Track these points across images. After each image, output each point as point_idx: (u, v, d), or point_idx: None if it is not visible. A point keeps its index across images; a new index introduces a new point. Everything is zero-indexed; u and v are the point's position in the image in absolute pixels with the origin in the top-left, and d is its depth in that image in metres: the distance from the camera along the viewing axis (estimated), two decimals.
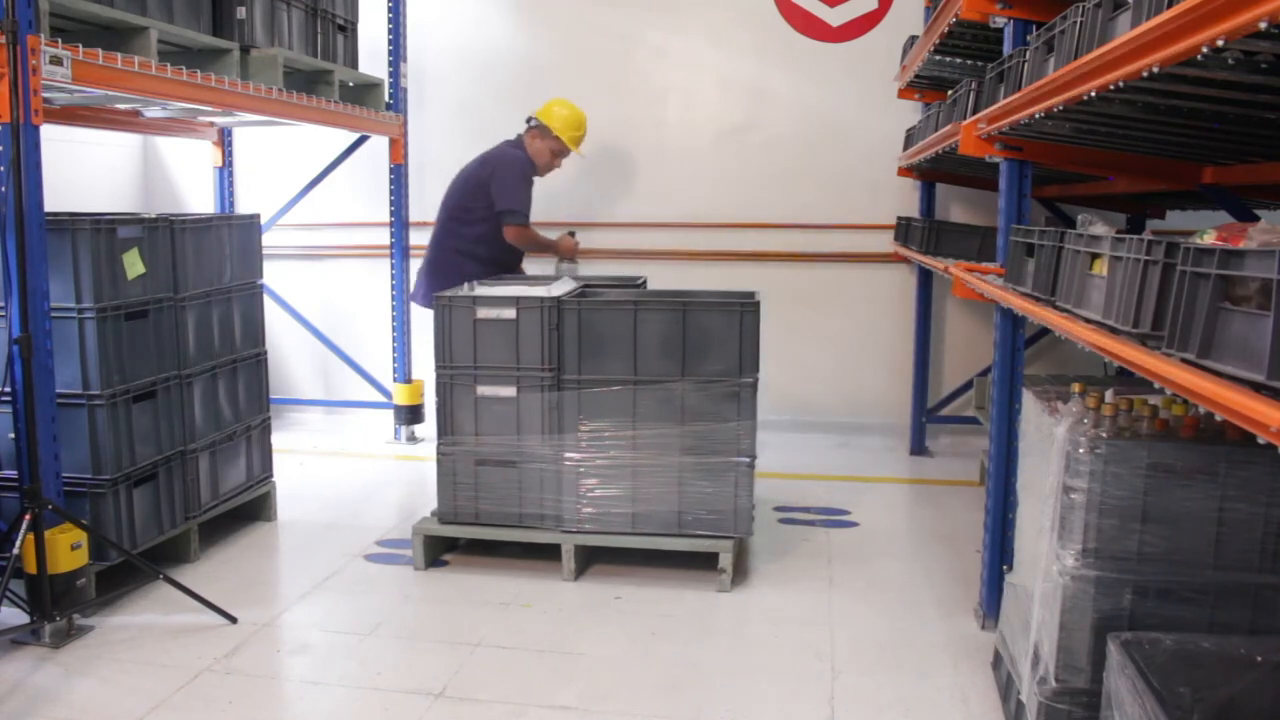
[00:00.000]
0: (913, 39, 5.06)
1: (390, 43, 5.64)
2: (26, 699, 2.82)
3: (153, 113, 4.80)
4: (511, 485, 3.78)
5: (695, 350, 3.63)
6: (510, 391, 3.74)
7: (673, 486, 3.68)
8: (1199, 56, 1.51)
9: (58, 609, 3.11)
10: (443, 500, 3.86)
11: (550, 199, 6.07)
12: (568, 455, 3.72)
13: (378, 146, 5.81)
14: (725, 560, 3.63)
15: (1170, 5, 1.59)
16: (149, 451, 3.67)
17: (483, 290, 4.04)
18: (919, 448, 5.69)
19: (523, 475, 3.76)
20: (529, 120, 5.04)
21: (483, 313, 3.74)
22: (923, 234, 4.86)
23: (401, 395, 5.83)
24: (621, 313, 3.68)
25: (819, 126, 5.86)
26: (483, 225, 4.82)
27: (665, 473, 3.67)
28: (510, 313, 3.72)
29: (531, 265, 5.28)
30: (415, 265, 6.17)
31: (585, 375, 3.69)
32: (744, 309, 3.63)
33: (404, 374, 5.89)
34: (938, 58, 4.42)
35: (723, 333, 3.62)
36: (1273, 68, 1.61)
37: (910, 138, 5.31)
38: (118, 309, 3.52)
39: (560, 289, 3.99)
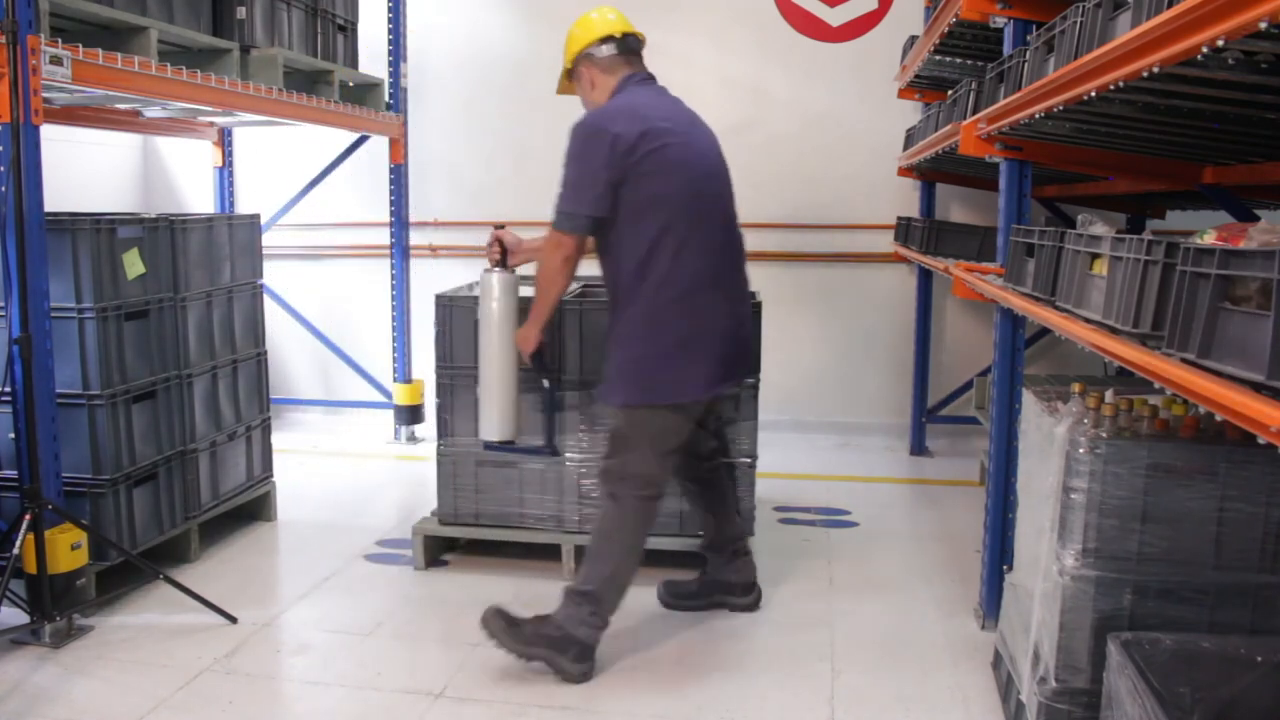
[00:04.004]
0: (913, 39, 5.06)
1: (390, 43, 5.64)
2: (26, 699, 2.82)
3: (153, 113, 4.80)
4: (511, 485, 3.78)
5: None
6: None
7: (673, 486, 3.66)
8: (1199, 56, 1.51)
9: (58, 609, 3.11)
10: (443, 500, 3.86)
11: (544, 198, 6.08)
12: (568, 455, 3.72)
13: (378, 146, 5.80)
14: None
15: (1170, 5, 1.60)
16: (149, 451, 3.67)
17: None
18: (919, 448, 5.69)
19: (523, 475, 3.76)
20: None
21: None
22: (923, 234, 4.86)
23: (401, 395, 5.82)
24: None
25: (819, 126, 5.86)
26: None
27: None
28: None
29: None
30: (421, 265, 6.27)
31: (586, 375, 3.69)
32: None
33: (404, 374, 5.88)
34: (938, 58, 4.42)
35: None
36: (1273, 68, 1.61)
37: (910, 138, 5.31)
38: (118, 309, 3.52)
39: None
